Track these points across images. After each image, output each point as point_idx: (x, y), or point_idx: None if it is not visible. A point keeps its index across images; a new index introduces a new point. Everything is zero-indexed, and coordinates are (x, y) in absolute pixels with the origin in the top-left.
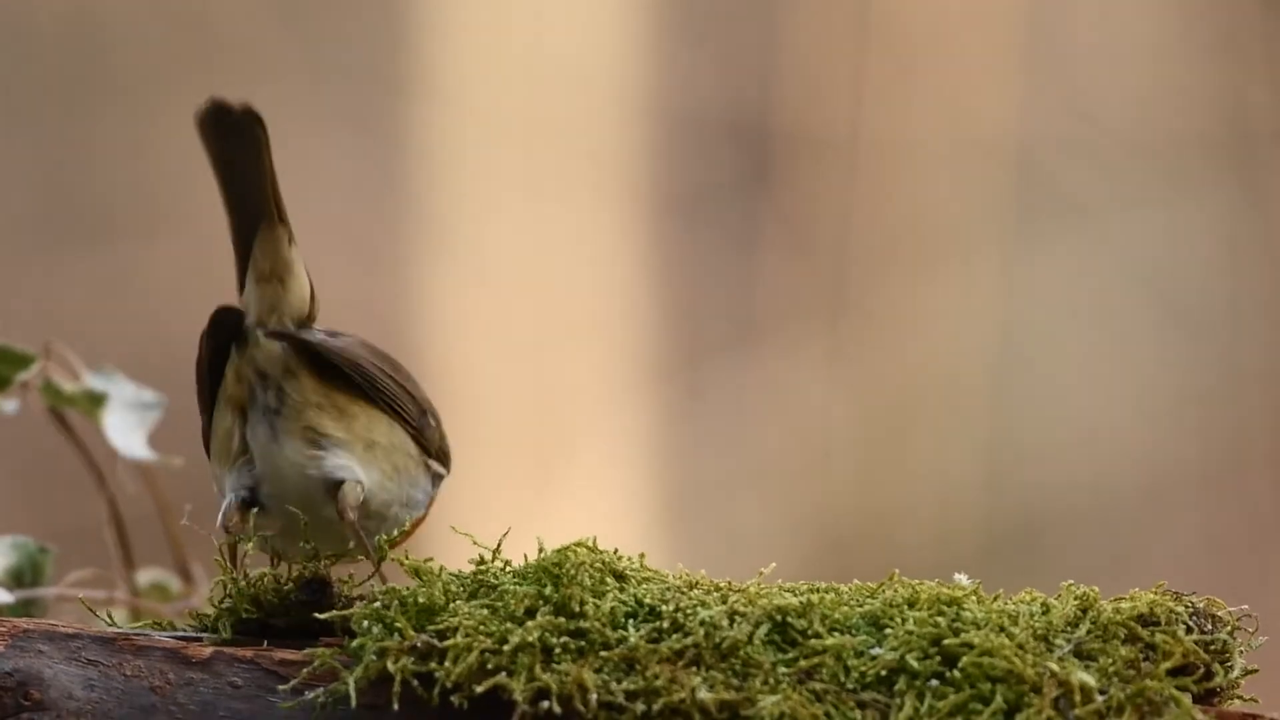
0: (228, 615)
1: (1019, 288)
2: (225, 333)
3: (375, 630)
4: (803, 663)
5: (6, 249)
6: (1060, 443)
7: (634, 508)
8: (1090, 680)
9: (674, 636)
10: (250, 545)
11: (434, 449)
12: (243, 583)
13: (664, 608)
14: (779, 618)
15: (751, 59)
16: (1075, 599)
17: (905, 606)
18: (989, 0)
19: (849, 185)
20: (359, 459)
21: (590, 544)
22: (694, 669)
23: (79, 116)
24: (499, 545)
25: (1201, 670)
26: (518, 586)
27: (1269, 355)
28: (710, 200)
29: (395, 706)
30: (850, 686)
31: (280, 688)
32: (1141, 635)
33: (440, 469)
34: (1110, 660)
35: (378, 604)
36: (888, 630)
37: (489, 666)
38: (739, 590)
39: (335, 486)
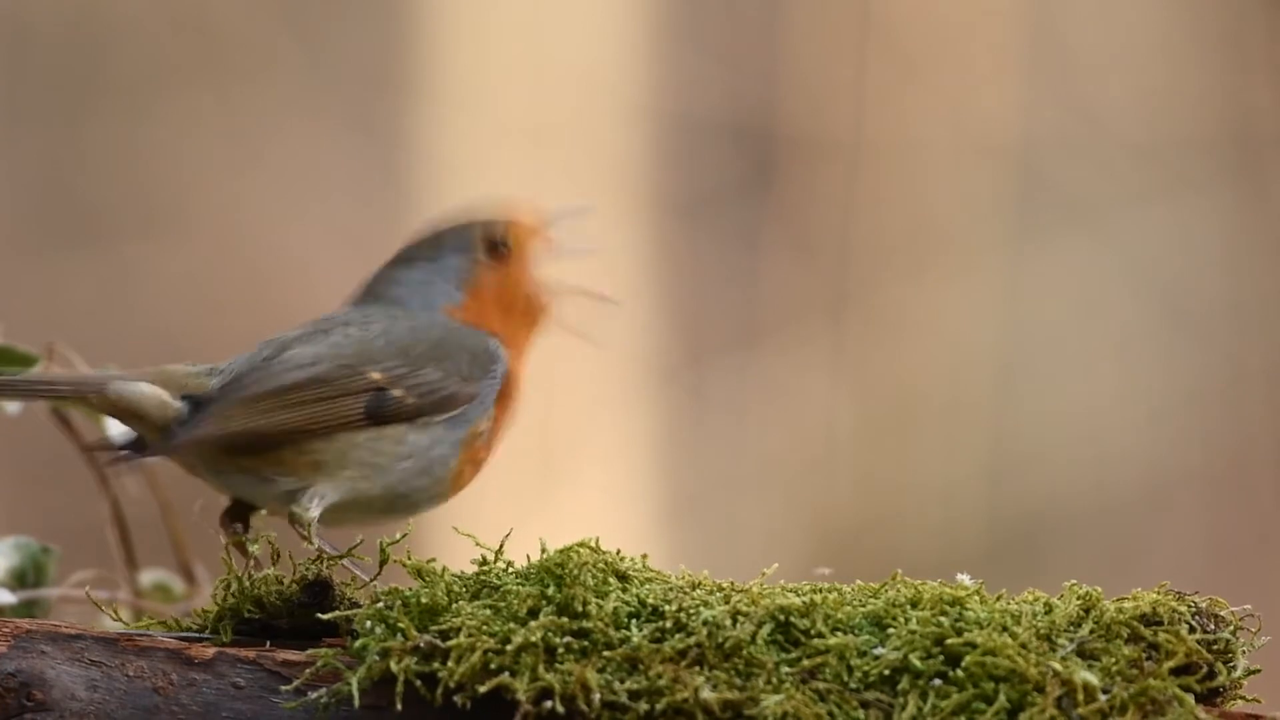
0: (229, 616)
1: (1021, 289)
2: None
3: (378, 631)
4: (806, 662)
5: (8, 249)
6: (1062, 443)
7: (636, 508)
8: (1093, 679)
9: (677, 636)
10: (255, 548)
11: (409, 414)
12: (245, 584)
13: (667, 608)
14: (782, 618)
15: (754, 61)
16: (1078, 599)
17: (908, 606)
18: (990, 2)
19: (851, 187)
20: (310, 479)
21: (593, 544)
22: (697, 669)
23: (80, 117)
24: (501, 546)
25: (1204, 669)
26: (520, 587)
27: (1271, 356)
28: (713, 202)
29: (398, 707)
30: (853, 686)
31: (283, 688)
32: (1144, 635)
33: (439, 417)
34: (1113, 659)
35: (380, 604)
36: (890, 630)
37: (492, 666)
38: (742, 590)
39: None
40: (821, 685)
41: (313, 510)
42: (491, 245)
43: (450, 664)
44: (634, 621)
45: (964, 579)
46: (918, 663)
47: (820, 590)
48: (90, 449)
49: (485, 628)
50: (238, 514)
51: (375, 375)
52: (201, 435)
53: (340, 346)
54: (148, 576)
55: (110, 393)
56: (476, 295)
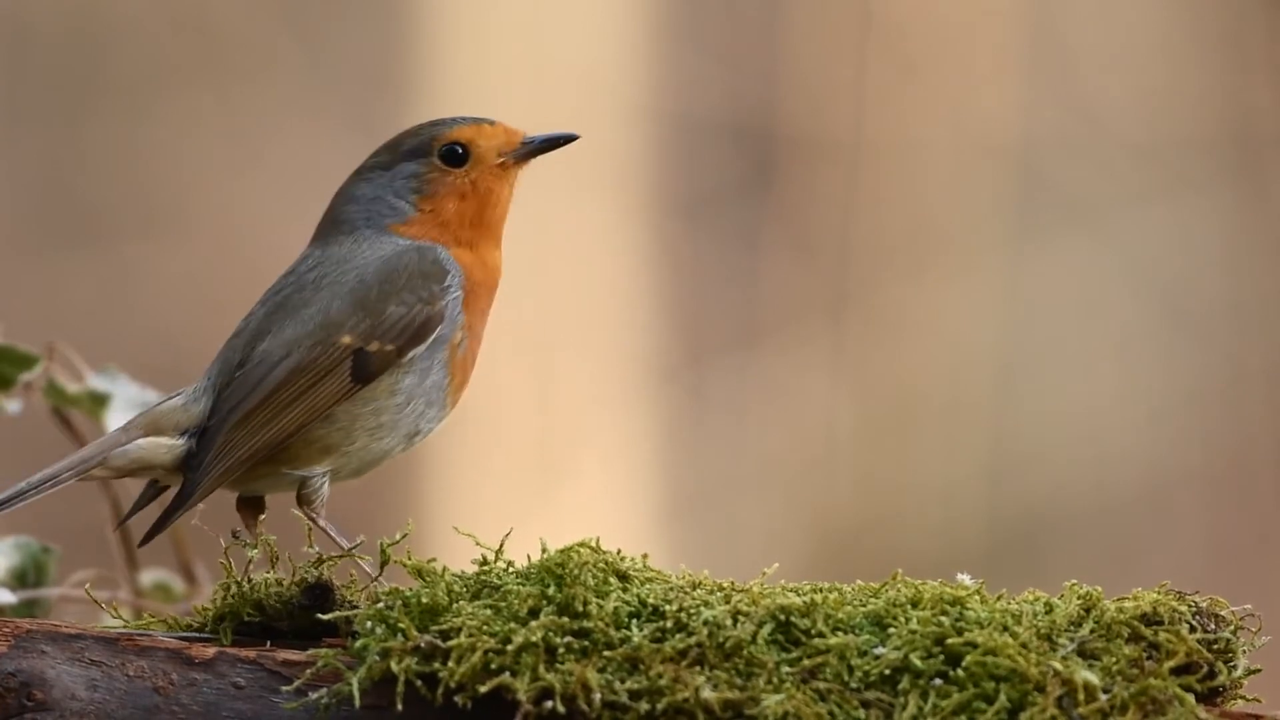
0: (229, 618)
1: (1021, 288)
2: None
3: (379, 631)
4: (806, 662)
5: (9, 249)
6: (1063, 443)
7: (637, 508)
8: (1094, 679)
9: (677, 636)
10: (255, 551)
11: (392, 358)
12: (245, 587)
13: (667, 607)
14: (782, 617)
15: (754, 61)
16: (1078, 598)
17: (908, 606)
18: (990, 2)
19: (851, 187)
20: (306, 465)
21: (593, 544)
22: (698, 668)
23: (80, 117)
24: (501, 546)
25: (1205, 669)
26: (521, 587)
27: (1271, 356)
28: (713, 202)
29: (399, 707)
30: (854, 685)
31: (283, 688)
32: (1145, 634)
33: (420, 348)
34: (1114, 659)
35: (381, 605)
36: (891, 630)
37: (492, 666)
38: (742, 590)
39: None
40: (822, 685)
41: (322, 490)
42: (448, 149)
43: (451, 664)
44: (634, 621)
45: (964, 579)
46: (918, 662)
47: (820, 590)
48: (122, 522)
49: (486, 628)
50: (253, 500)
51: (346, 339)
52: (215, 475)
53: (302, 325)
54: (148, 576)
55: (113, 461)
56: (430, 202)
